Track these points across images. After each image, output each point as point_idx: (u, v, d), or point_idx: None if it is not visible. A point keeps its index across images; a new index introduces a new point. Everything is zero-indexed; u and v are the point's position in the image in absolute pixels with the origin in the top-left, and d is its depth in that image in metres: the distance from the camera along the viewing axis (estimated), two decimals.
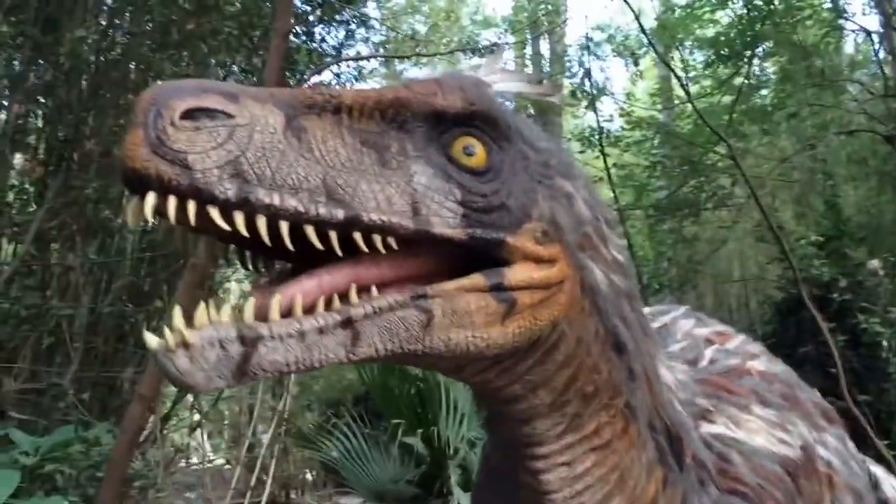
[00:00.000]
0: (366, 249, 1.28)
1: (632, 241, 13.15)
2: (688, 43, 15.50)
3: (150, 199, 1.15)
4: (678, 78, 11.33)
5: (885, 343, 10.62)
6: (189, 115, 1.19)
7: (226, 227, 1.18)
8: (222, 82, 1.32)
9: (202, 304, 1.18)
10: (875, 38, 12.21)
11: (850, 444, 2.50)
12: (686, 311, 2.63)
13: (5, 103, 7.47)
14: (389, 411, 6.81)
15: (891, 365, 10.92)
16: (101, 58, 7.46)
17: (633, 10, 10.55)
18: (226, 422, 12.63)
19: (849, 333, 10.30)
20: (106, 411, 6.75)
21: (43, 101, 7.58)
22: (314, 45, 9.73)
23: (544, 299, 1.45)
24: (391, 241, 1.31)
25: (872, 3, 12.84)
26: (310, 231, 1.23)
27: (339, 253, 1.26)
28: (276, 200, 1.21)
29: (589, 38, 13.90)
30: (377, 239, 1.29)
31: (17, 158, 7.86)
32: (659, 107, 15.70)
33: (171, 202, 1.16)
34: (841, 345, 9.90)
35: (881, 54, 12.50)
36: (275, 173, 1.22)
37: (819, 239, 12.11)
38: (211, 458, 11.37)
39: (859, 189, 14.32)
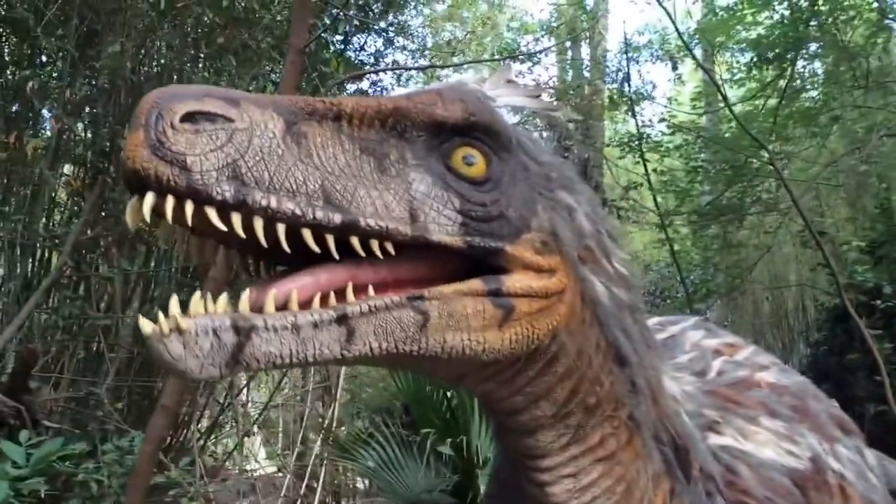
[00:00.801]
0: (362, 253, 1.31)
1: (675, 246, 13.00)
2: (731, 45, 15.28)
3: (149, 198, 1.18)
4: (715, 83, 11.15)
5: None
6: (190, 118, 1.22)
7: (222, 227, 1.21)
8: (225, 88, 1.35)
9: (197, 294, 1.21)
10: None
11: (869, 455, 2.49)
12: (696, 321, 2.64)
13: (47, 115, 7.66)
14: (422, 419, 6.83)
15: None
16: (138, 71, 7.62)
17: (669, 15, 10.43)
18: (279, 429, 12.76)
19: None
20: (143, 420, 6.86)
21: (82, 114, 7.76)
22: (351, 53, 9.86)
23: (543, 308, 1.47)
24: (388, 246, 1.33)
25: None
26: (307, 234, 1.26)
27: (336, 256, 1.29)
28: (274, 203, 1.23)
29: (628, 43, 13.77)
30: (374, 244, 1.32)
31: (66, 170, 8.08)
32: (701, 110, 15.49)
33: (169, 202, 1.18)
34: (888, 352, 9.63)
35: None
36: (273, 177, 1.25)
37: (861, 244, 11.81)
38: (263, 465, 11.51)
39: None
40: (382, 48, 11.22)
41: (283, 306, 1.25)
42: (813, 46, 13.47)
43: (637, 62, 16.22)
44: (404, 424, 7.73)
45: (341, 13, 7.39)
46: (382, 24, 10.33)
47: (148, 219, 1.19)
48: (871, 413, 9.99)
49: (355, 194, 1.31)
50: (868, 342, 9.33)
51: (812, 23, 12.53)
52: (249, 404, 10.67)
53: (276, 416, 11.98)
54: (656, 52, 16.44)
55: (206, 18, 7.38)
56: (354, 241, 1.30)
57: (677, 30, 11.16)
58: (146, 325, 1.18)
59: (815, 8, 12.54)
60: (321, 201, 1.28)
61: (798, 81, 13.37)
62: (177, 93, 1.25)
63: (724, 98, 10.37)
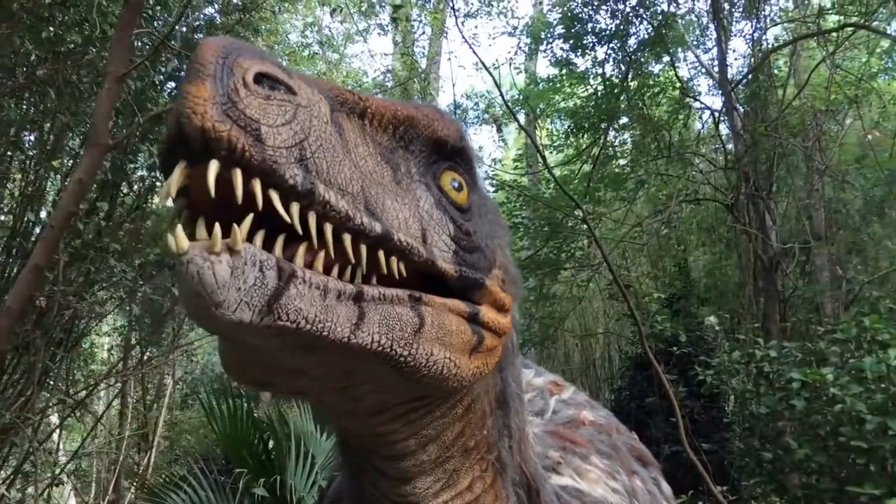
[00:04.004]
0: (384, 270, 1.21)
1: None
2: (551, 113, 16.40)
3: (214, 168, 1.01)
4: (536, 146, 11.98)
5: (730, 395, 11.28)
6: (259, 80, 1.06)
7: (285, 216, 1.07)
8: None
9: (235, 228, 1.03)
10: (717, 116, 13.25)
11: (665, 486, 2.57)
12: (522, 360, 2.70)
13: None
14: (238, 461, 6.76)
15: (730, 415, 11.63)
16: None
17: (495, 81, 11.14)
18: (92, 478, 12.09)
19: (691, 385, 10.94)
20: None
21: None
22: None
23: (496, 346, 1.44)
24: (402, 266, 1.24)
25: (715, 85, 13.99)
26: (347, 239, 1.14)
27: (364, 269, 1.19)
28: (333, 199, 1.12)
29: (457, 105, 14.49)
30: (394, 262, 1.22)
31: None
32: (523, 171, 16.44)
33: (238, 177, 1.02)
34: (682, 395, 10.49)
35: (723, 131, 13.56)
36: (329, 168, 1.13)
37: (662, 297, 12.84)
38: None
39: (706, 254, 15.31)
40: None
41: (308, 265, 1.12)
42: (623, 119, 14.76)
43: (465, 123, 17.04)
44: (221, 470, 7.57)
45: (167, 46, 7.31)
46: None
47: (213, 193, 1.00)
48: (666, 452, 10.83)
49: (385, 204, 1.21)
50: (665, 387, 10.13)
51: (622, 98, 13.75)
52: (60, 452, 10.12)
53: (88, 465, 11.40)
54: (482, 116, 17.36)
55: (24, 50, 7.22)
56: (381, 254, 1.20)
57: (502, 95, 11.89)
58: (182, 240, 1.01)
59: (625, 84, 13.79)
60: (362, 205, 1.17)
61: (609, 149, 14.55)
62: (241, 46, 1.08)
63: (544, 161, 11.12)
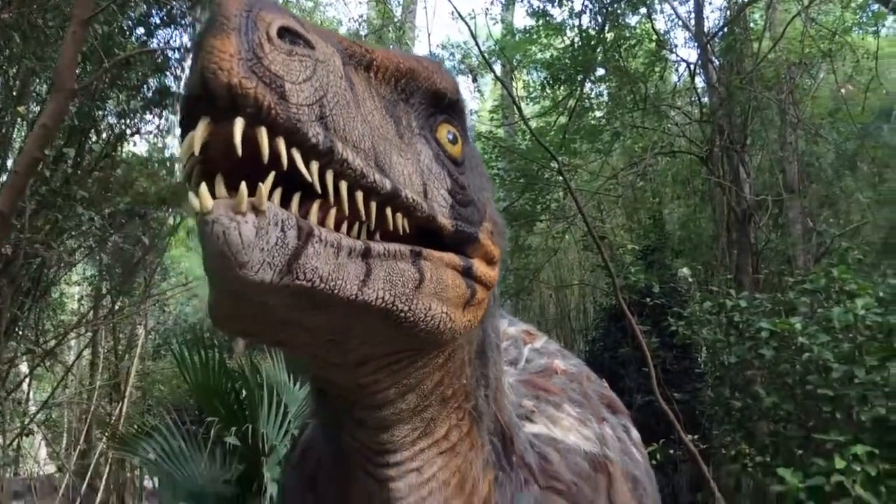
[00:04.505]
0: (391, 226, 1.21)
1: None
2: (528, 64, 16.25)
3: (240, 126, 1.00)
4: (512, 97, 11.88)
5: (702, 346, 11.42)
6: (281, 34, 1.05)
7: (306, 175, 1.07)
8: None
9: (261, 187, 1.03)
10: (693, 69, 13.18)
11: (634, 433, 2.60)
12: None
13: None
14: (209, 411, 6.74)
15: (702, 365, 11.80)
16: None
17: (471, 31, 10.98)
18: (63, 429, 12.06)
19: (664, 336, 11.06)
20: None
21: None
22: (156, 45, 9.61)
23: (484, 299, 1.44)
24: (405, 223, 1.24)
25: (691, 38, 13.90)
26: (360, 197, 1.14)
27: (372, 226, 1.20)
28: (350, 157, 1.11)
29: (432, 55, 14.30)
30: (399, 218, 1.22)
31: None
32: (499, 123, 16.34)
33: (263, 135, 1.01)
34: (655, 346, 10.60)
35: (699, 84, 13.51)
36: (345, 125, 1.12)
37: (637, 249, 12.91)
38: (42, 465, 10.84)
39: (681, 206, 15.38)
40: (190, 44, 10.91)
41: (320, 222, 1.12)
42: (600, 71, 14.65)
43: None
44: (193, 420, 7.55)
45: None
46: (190, 18, 10.03)
47: (240, 152, 1.00)
48: (638, 402, 10.98)
49: (392, 160, 1.20)
50: (638, 338, 10.23)
51: (599, 49, 13.63)
52: (30, 402, 10.07)
53: (59, 416, 11.37)
54: (458, 67, 17.16)
55: None
56: (389, 211, 1.20)
57: (478, 45, 11.74)
58: (207, 199, 1.01)
59: (602, 36, 13.66)
60: (373, 162, 1.16)
61: (585, 101, 14.46)
62: None
63: (520, 112, 11.03)
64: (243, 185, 1.01)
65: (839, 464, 4.03)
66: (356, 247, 1.14)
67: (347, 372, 1.41)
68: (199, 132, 1.01)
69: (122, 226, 9.27)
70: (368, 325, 1.25)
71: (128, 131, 9.48)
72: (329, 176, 1.09)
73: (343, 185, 1.11)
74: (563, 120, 14.12)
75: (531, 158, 12.82)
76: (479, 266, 1.40)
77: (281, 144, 1.03)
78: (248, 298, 1.11)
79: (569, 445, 2.07)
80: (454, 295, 1.33)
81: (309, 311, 1.16)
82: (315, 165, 1.07)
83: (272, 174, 1.03)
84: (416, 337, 1.31)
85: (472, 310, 1.39)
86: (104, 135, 9.40)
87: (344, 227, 1.15)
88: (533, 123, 13.30)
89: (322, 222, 1.12)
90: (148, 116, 9.75)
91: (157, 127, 10.05)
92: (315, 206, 1.10)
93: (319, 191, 1.08)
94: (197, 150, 1.01)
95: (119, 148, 9.64)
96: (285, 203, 1.07)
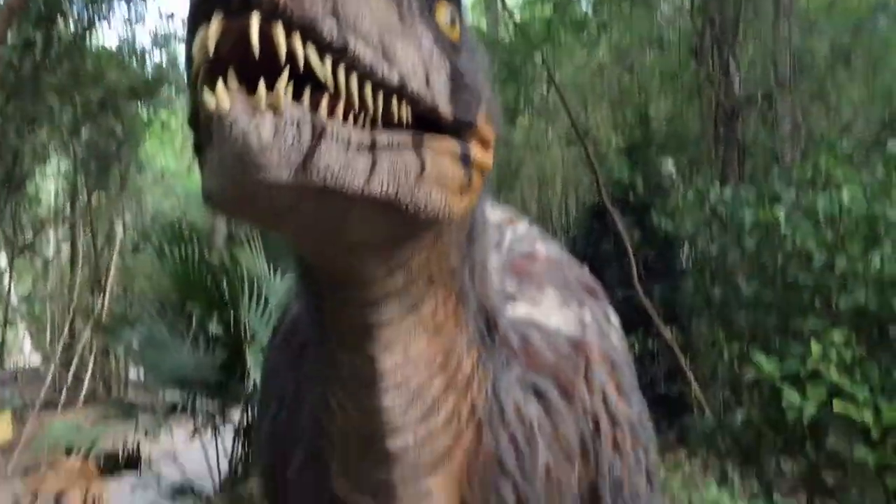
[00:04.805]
0: (395, 119, 1.17)
1: None
2: None
3: (257, 22, 0.97)
4: None
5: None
6: None
7: (320, 73, 1.04)
8: None
9: (280, 85, 1.00)
10: None
11: (614, 318, 2.62)
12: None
13: None
14: (188, 297, 6.74)
15: (684, 262, 11.89)
16: None
17: None
18: (46, 322, 12.15)
19: (646, 232, 11.07)
20: None
21: None
22: None
23: (480, 183, 1.43)
24: (408, 113, 1.20)
25: None
26: (368, 90, 1.10)
27: (379, 119, 1.14)
28: (361, 51, 1.07)
29: None
30: (403, 109, 1.18)
31: None
32: (481, 14, 15.92)
33: (280, 33, 0.98)
34: (637, 242, 10.64)
35: None
36: (354, 16, 1.07)
37: (621, 145, 12.80)
38: (28, 357, 10.98)
39: (668, 101, 15.17)
40: None
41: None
42: None
43: None
44: (176, 313, 7.58)
45: None
46: None
47: (256, 51, 0.97)
48: (619, 298, 11.09)
49: (397, 49, 1.15)
50: (619, 233, 10.24)
51: None
52: (12, 295, 10.07)
53: (41, 310, 11.40)
54: None
55: None
56: (394, 103, 1.15)
57: None
58: (224, 99, 0.98)
59: None
60: (381, 53, 1.12)
61: None
62: None
63: (503, 3, 10.69)
64: (262, 85, 0.98)
65: (815, 349, 4.06)
66: (364, 140, 1.12)
67: (338, 255, 1.42)
68: (215, 28, 0.98)
69: (94, 117, 9.03)
70: (369, 214, 1.25)
71: (96, 18, 9.15)
72: (341, 71, 1.06)
73: (353, 80, 1.08)
74: (548, 11, 13.75)
75: (514, 51, 12.50)
76: (476, 151, 1.38)
77: (297, 42, 1.00)
78: (255, 194, 1.08)
79: (550, 328, 2.09)
80: (453, 182, 1.32)
81: (312, 204, 1.15)
82: (328, 61, 1.04)
83: (286, 72, 1.00)
84: (414, 224, 1.31)
85: (469, 195, 1.39)
86: (72, 22, 9.08)
87: (351, 118, 1.11)
88: (517, 14, 12.94)
89: (330, 114, 1.08)
90: (116, 3, 9.41)
91: (126, 18, 9.76)
92: (324, 102, 1.06)
93: (332, 88, 1.05)
94: (212, 47, 0.98)
95: (88, 37, 9.32)
96: (295, 97, 1.04)
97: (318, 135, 1.05)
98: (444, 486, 1.91)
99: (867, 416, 3.86)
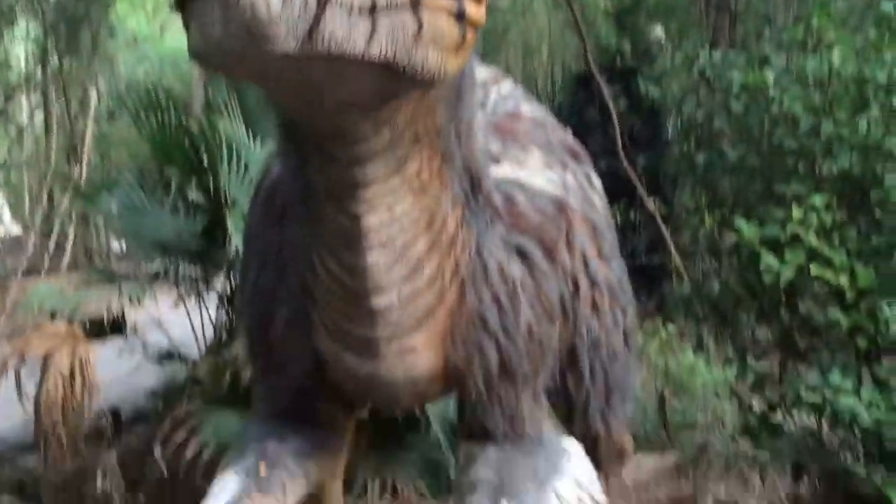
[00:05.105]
0: None
1: None
2: None
3: None
4: None
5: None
6: None
7: None
8: None
9: None
10: None
11: (595, 180, 2.67)
12: None
13: None
14: (167, 163, 6.62)
15: (670, 131, 11.78)
16: None
17: None
18: (24, 190, 12.03)
19: (633, 100, 10.92)
20: None
21: None
22: None
23: (473, 40, 1.42)
24: None
25: None
26: None
27: None
28: None
29: None
30: None
31: None
32: None
33: None
34: (623, 110, 10.50)
35: None
36: None
37: (609, 9, 12.44)
38: (8, 226, 10.92)
39: None
40: None
41: None
42: None
43: None
44: (156, 181, 7.48)
45: None
46: None
47: None
48: (602, 167, 11.02)
49: None
50: (605, 100, 10.08)
51: None
52: None
53: (18, 179, 11.27)
54: None
55: None
56: None
57: None
58: None
59: None
60: None
61: None
62: None
63: None
64: None
65: (796, 214, 4.09)
66: (364, 3, 1.14)
67: (327, 114, 1.44)
68: None
69: None
70: (365, 77, 1.28)
71: None
72: None
73: None
74: None
75: None
76: (470, 7, 1.37)
77: None
78: (259, 62, 1.13)
79: (534, 188, 2.13)
80: (449, 40, 1.32)
81: (312, 69, 1.20)
82: None
83: None
84: (410, 84, 1.34)
85: (462, 53, 1.40)
86: None
87: None
88: None
89: None
90: None
91: None
92: None
93: None
94: None
95: None
96: None
97: (323, 2, 1.08)
98: (427, 344, 1.96)
99: (843, 280, 3.92)
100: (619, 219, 9.27)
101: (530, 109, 2.52)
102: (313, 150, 1.58)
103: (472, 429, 2.21)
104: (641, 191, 9.14)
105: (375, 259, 1.69)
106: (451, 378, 2.07)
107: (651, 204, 9.01)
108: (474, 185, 1.85)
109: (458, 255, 1.88)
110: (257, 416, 2.43)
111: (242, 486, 2.07)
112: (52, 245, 8.52)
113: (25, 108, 12.13)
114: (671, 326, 7.35)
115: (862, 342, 3.99)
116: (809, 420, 4.59)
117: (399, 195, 1.62)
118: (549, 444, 2.24)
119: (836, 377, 3.88)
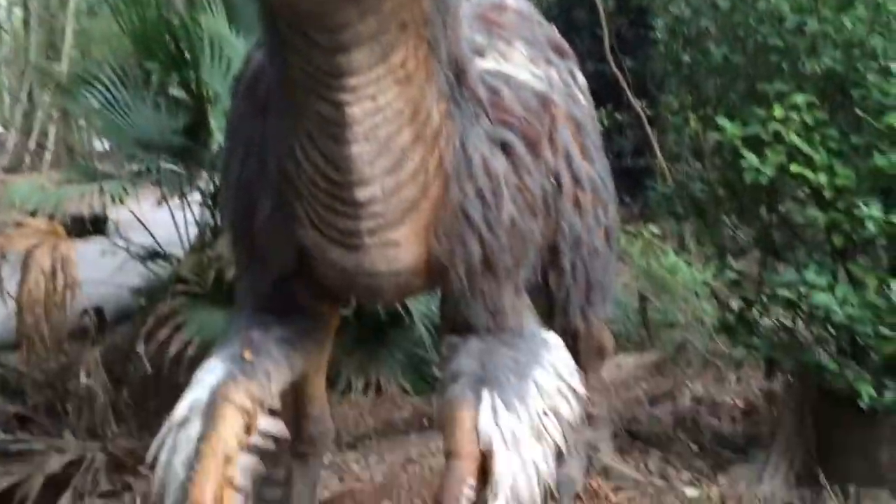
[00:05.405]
0: None
1: None
2: None
3: None
4: None
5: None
6: None
7: None
8: None
9: None
10: None
11: (580, 77, 2.69)
12: None
13: None
14: (148, 58, 6.49)
15: (658, 31, 11.58)
16: None
17: None
18: (3, 89, 11.78)
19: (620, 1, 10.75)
20: None
21: None
22: None
23: None
24: None
25: None
26: None
27: None
28: None
29: None
30: None
31: None
32: None
33: None
34: (610, 10, 10.30)
35: None
36: None
37: None
38: None
39: None
40: None
41: None
42: None
43: None
44: (137, 78, 7.33)
45: None
46: None
47: None
48: (589, 70, 10.87)
49: None
50: None
51: None
52: None
53: None
54: None
55: None
56: None
57: None
58: None
59: None
60: None
61: None
62: None
63: None
64: None
65: (778, 112, 4.09)
66: None
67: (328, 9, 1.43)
68: None
69: None
70: None
71: None
72: None
73: None
74: None
75: None
76: None
77: None
78: None
79: (519, 81, 2.12)
80: None
81: None
82: None
83: None
84: None
85: None
86: None
87: None
88: None
89: None
90: None
91: None
92: None
93: None
94: None
95: None
96: None
97: None
98: (410, 237, 1.97)
99: (822, 179, 3.96)
100: (605, 121, 9.24)
101: (516, 1, 2.50)
102: (298, 37, 1.55)
103: (455, 322, 2.25)
104: (628, 91, 9.08)
105: (359, 150, 1.69)
106: (434, 272, 2.09)
107: (638, 107, 8.96)
108: (459, 77, 1.85)
109: (442, 148, 1.87)
110: (242, 309, 2.45)
111: (227, 371, 2.09)
112: (32, 143, 8.39)
113: (4, 4, 11.78)
114: (654, 227, 7.45)
115: (838, 240, 4.05)
116: (785, 317, 4.70)
117: (384, 85, 1.61)
118: (530, 336, 2.30)
119: (811, 274, 3.95)
